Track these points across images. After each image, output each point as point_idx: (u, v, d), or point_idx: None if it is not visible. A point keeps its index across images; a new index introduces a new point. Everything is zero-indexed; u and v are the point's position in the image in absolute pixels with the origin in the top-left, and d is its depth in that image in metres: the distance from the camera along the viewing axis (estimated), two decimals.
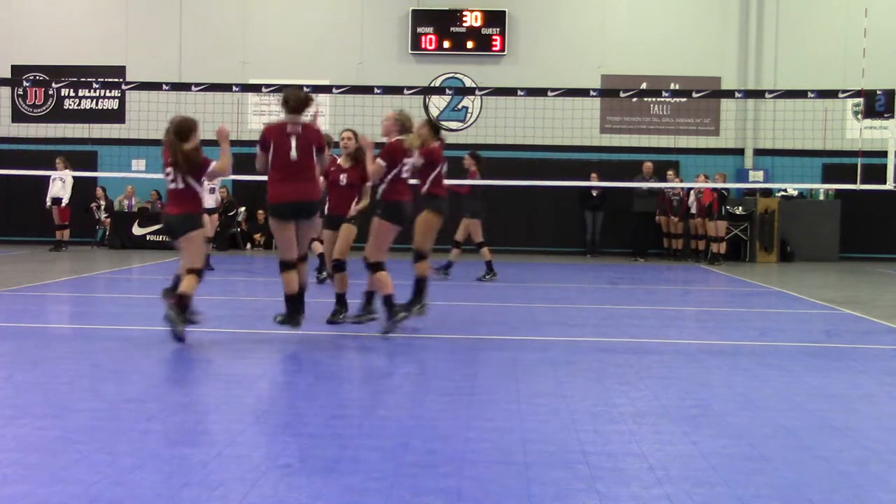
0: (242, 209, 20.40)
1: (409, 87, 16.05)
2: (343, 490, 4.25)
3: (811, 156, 19.87)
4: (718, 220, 18.82)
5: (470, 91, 20.15)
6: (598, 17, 20.75)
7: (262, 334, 8.65)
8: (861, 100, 14.61)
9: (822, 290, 13.75)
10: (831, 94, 15.79)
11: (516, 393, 6.34)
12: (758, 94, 18.01)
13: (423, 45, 20.61)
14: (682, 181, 19.31)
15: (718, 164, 20.24)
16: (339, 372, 7.19)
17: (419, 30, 20.61)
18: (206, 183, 8.41)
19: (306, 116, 8.39)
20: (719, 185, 18.49)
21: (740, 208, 19.75)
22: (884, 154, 15.23)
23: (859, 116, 17.21)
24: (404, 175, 8.82)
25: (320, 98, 20.21)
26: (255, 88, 17.40)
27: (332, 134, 20.77)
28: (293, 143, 8.04)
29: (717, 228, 18.83)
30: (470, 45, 20.59)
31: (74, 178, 18.79)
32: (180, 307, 7.86)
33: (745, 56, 20.64)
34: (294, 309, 8.21)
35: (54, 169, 18.34)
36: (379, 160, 8.65)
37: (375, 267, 8.63)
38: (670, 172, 19.12)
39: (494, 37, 20.56)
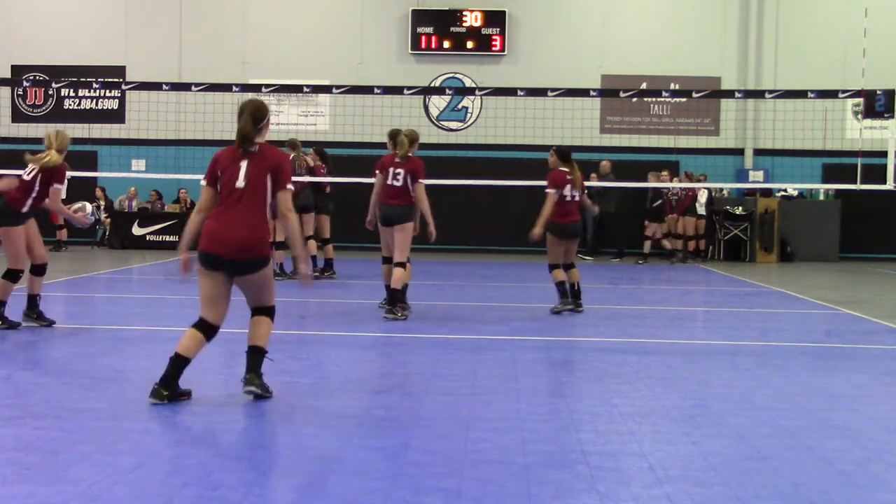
0: None
1: (409, 87, 16.05)
2: (343, 490, 4.25)
3: (811, 156, 19.88)
4: (687, 216, 19.00)
5: (470, 91, 20.16)
6: (598, 17, 20.75)
7: None
8: (861, 100, 14.60)
9: (822, 290, 13.75)
10: (831, 94, 15.79)
11: (516, 393, 6.34)
12: (758, 94, 18.01)
13: (423, 45, 20.61)
14: (680, 181, 19.35)
15: (718, 164, 20.29)
16: (338, 372, 7.18)
17: (419, 30, 20.61)
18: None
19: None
20: (711, 185, 18.58)
21: (740, 208, 19.76)
22: (884, 154, 15.22)
23: (859, 116, 17.22)
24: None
25: (320, 98, 20.26)
26: (255, 88, 17.36)
27: (333, 134, 20.81)
28: (242, 167, 5.91)
29: (686, 226, 19.03)
30: (470, 45, 20.59)
31: (73, 178, 18.75)
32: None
33: (745, 56, 20.65)
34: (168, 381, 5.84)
35: None
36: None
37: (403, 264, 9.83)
38: (665, 173, 19.11)
39: (494, 37, 20.56)
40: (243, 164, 5.89)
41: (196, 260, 5.96)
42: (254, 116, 5.98)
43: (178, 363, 5.87)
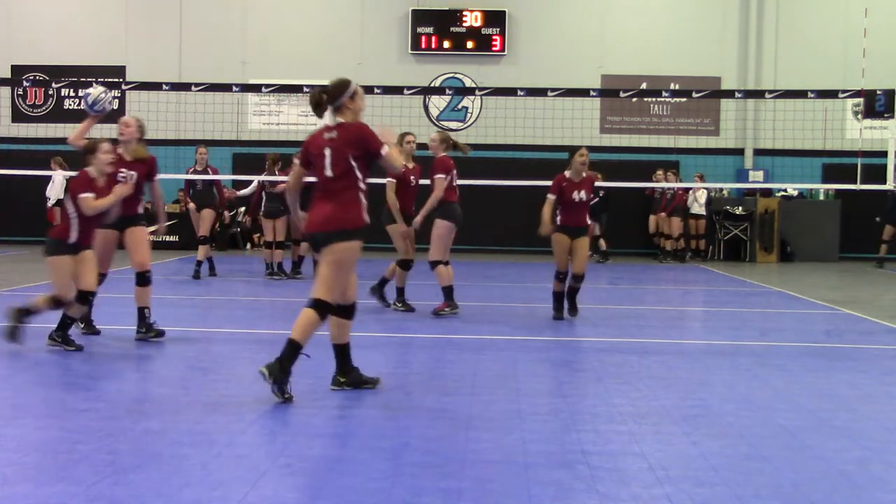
0: (242, 209, 20.38)
1: (409, 87, 16.06)
2: (343, 490, 4.25)
3: (811, 156, 19.89)
4: (674, 216, 19.01)
5: (470, 91, 20.15)
6: (598, 17, 20.74)
7: (262, 334, 8.65)
8: (861, 100, 14.60)
9: (822, 290, 13.75)
10: (831, 94, 15.80)
11: (516, 393, 6.34)
12: (758, 94, 18.01)
13: (423, 45, 20.61)
14: (679, 180, 19.37)
15: (718, 164, 20.28)
16: None
17: (419, 30, 20.61)
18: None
19: None
20: (711, 185, 18.56)
21: (740, 208, 19.76)
22: (884, 154, 15.23)
23: (859, 116, 17.22)
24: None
25: None
26: (255, 88, 17.40)
27: None
28: (327, 155, 6.08)
29: (672, 226, 19.05)
30: (470, 45, 20.59)
31: (72, 177, 18.69)
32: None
33: (745, 56, 20.64)
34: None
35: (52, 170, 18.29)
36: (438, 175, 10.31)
37: (436, 263, 10.29)
38: (659, 172, 19.09)
39: (494, 37, 20.56)
40: (327, 152, 6.06)
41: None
42: (329, 92, 6.14)
43: (294, 349, 5.97)
